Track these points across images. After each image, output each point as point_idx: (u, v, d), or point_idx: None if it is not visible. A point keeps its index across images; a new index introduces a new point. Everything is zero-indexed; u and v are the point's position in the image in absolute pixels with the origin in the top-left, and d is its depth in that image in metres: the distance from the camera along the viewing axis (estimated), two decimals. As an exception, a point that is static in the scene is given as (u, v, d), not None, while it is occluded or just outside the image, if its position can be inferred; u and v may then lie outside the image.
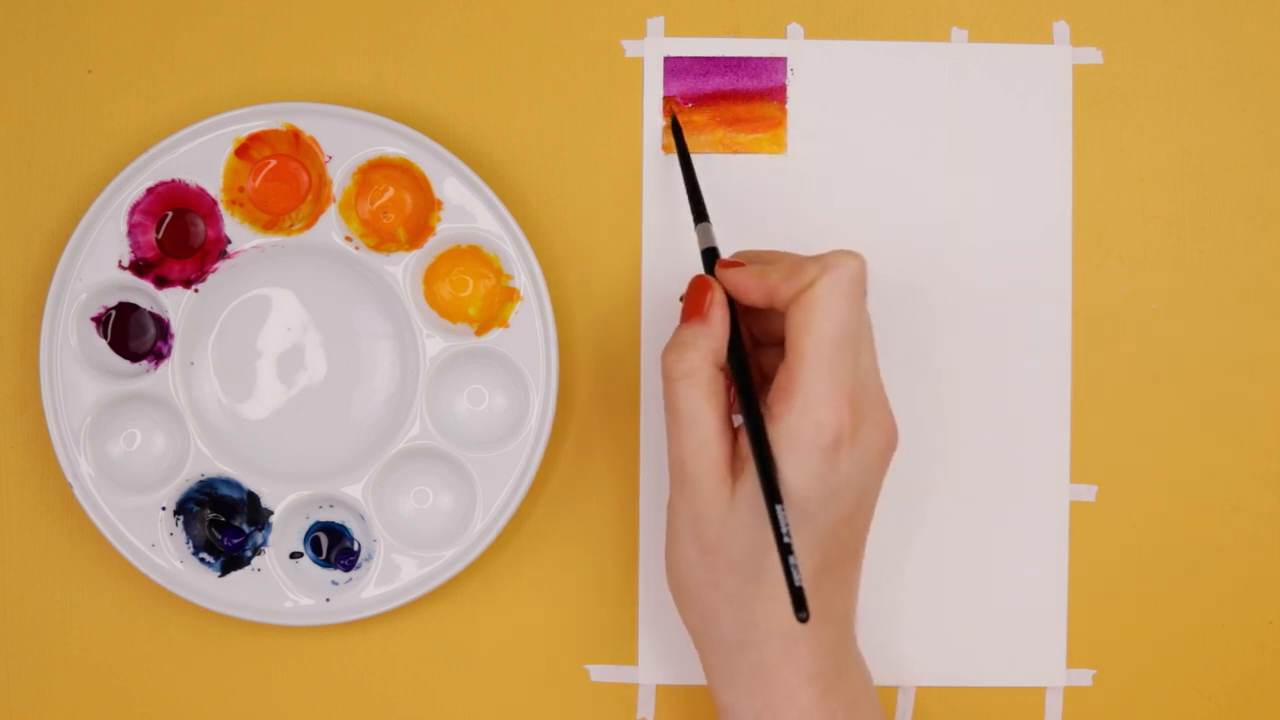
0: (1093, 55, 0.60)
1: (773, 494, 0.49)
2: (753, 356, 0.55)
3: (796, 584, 0.47)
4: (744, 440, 0.51)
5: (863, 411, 0.50)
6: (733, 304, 0.53)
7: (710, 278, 0.53)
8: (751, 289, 0.52)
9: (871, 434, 0.51)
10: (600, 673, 0.60)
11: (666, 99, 0.60)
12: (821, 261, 0.50)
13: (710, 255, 0.54)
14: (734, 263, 0.53)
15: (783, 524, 0.48)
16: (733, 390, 0.52)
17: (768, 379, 0.54)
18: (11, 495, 0.60)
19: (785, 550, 0.47)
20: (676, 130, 0.59)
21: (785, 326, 0.50)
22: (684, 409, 0.51)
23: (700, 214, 0.56)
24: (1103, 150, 0.60)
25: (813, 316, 0.50)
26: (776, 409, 0.50)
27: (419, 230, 0.59)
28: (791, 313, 0.50)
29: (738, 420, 0.52)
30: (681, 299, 0.54)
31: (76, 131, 0.60)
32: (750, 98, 0.60)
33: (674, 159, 0.60)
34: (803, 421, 0.49)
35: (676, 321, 0.60)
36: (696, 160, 0.60)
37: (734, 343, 0.52)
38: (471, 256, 0.59)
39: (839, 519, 0.51)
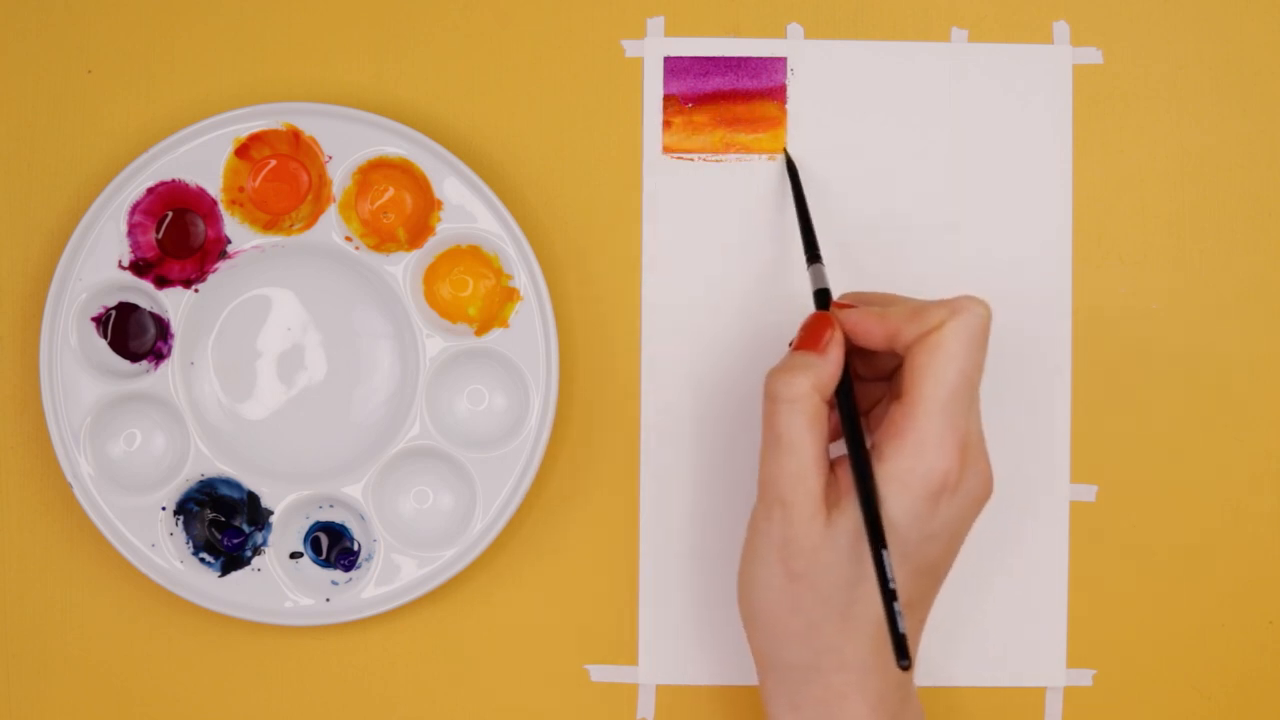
0: (1093, 55, 0.60)
1: (878, 537, 0.49)
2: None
3: (900, 631, 0.47)
4: (841, 474, 0.51)
5: (968, 459, 0.50)
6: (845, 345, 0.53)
7: (832, 317, 0.52)
8: (872, 330, 0.51)
9: (973, 482, 0.51)
10: (600, 673, 0.60)
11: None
12: (950, 306, 0.50)
13: (822, 296, 0.54)
14: (849, 305, 0.53)
15: (889, 569, 0.48)
16: (834, 422, 0.52)
17: (864, 414, 0.54)
18: (11, 495, 0.60)
19: (890, 596, 0.47)
20: (792, 170, 0.58)
21: (905, 368, 0.50)
22: (784, 433, 0.51)
23: (814, 255, 0.56)
24: (1103, 150, 0.60)
25: (936, 360, 0.49)
26: (886, 449, 0.50)
27: (419, 230, 0.59)
28: (914, 354, 0.50)
29: (835, 452, 0.52)
30: (790, 344, 0.53)
31: (76, 131, 0.60)
32: (750, 98, 0.60)
33: (674, 159, 0.60)
34: (913, 464, 0.49)
35: (676, 320, 0.60)
36: (696, 160, 0.60)
37: (845, 380, 0.52)
38: (471, 256, 0.59)
39: (927, 564, 0.51)
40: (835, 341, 0.52)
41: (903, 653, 0.47)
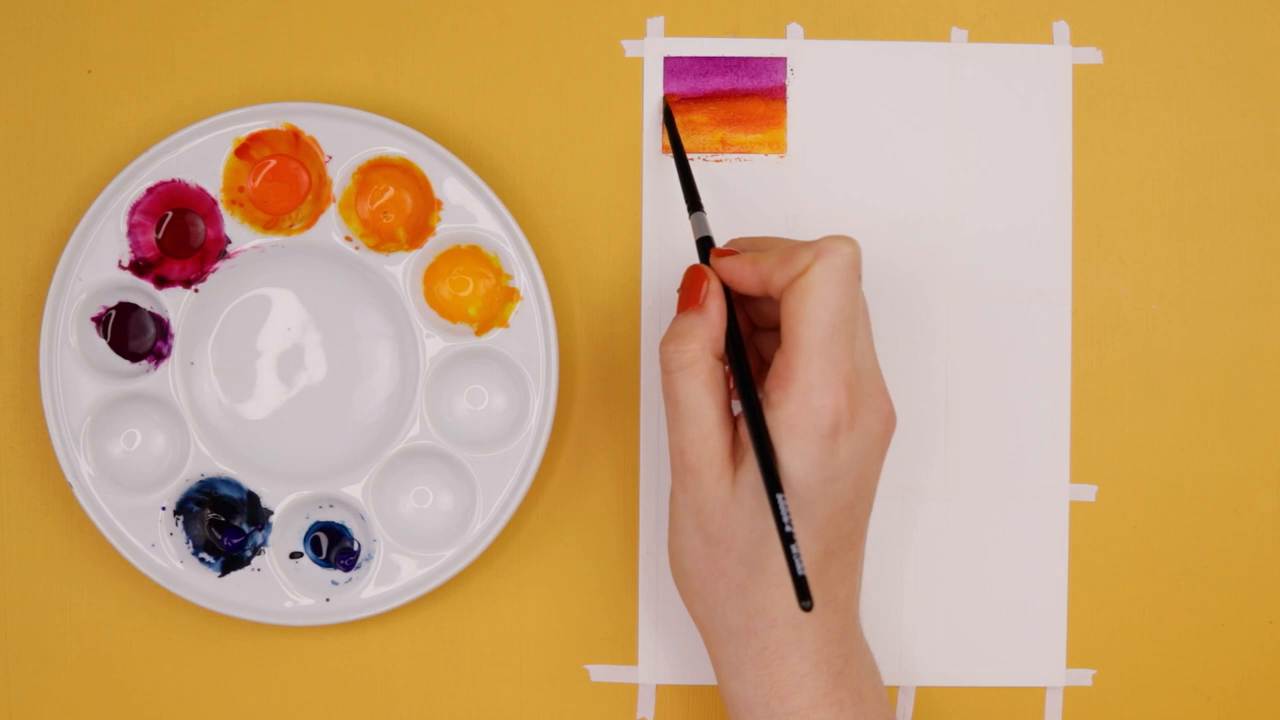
0: (1093, 55, 0.60)
1: (773, 482, 0.49)
2: (751, 342, 0.55)
3: (799, 573, 0.47)
4: (744, 429, 0.51)
5: (860, 397, 0.50)
6: (729, 292, 0.53)
7: (706, 267, 0.53)
8: (746, 277, 0.52)
9: (869, 419, 0.51)
10: (600, 673, 0.60)
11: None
12: (814, 248, 0.50)
13: (705, 244, 0.54)
14: (728, 251, 0.53)
15: (784, 513, 0.48)
16: (731, 379, 0.52)
17: (766, 364, 0.54)
18: (11, 495, 0.60)
19: (787, 539, 0.47)
20: (669, 118, 0.58)
21: (780, 313, 0.50)
22: (683, 400, 0.51)
23: (694, 203, 0.56)
24: (1103, 150, 0.60)
25: (807, 303, 0.49)
26: (774, 396, 0.50)
27: (419, 230, 0.59)
28: (786, 299, 0.50)
29: (737, 409, 0.52)
30: (679, 290, 0.54)
31: (76, 131, 0.60)
32: (750, 98, 0.60)
33: (673, 159, 0.60)
34: (801, 408, 0.49)
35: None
36: (696, 160, 0.60)
37: (731, 332, 0.52)
38: (471, 256, 0.59)
39: (839, 506, 0.51)
40: (713, 293, 0.52)
41: (803, 593, 0.46)
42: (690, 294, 0.52)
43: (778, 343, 0.51)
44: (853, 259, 0.50)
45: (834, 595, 0.52)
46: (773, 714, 0.52)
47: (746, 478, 0.51)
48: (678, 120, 0.60)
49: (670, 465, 0.52)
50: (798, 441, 0.49)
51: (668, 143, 0.60)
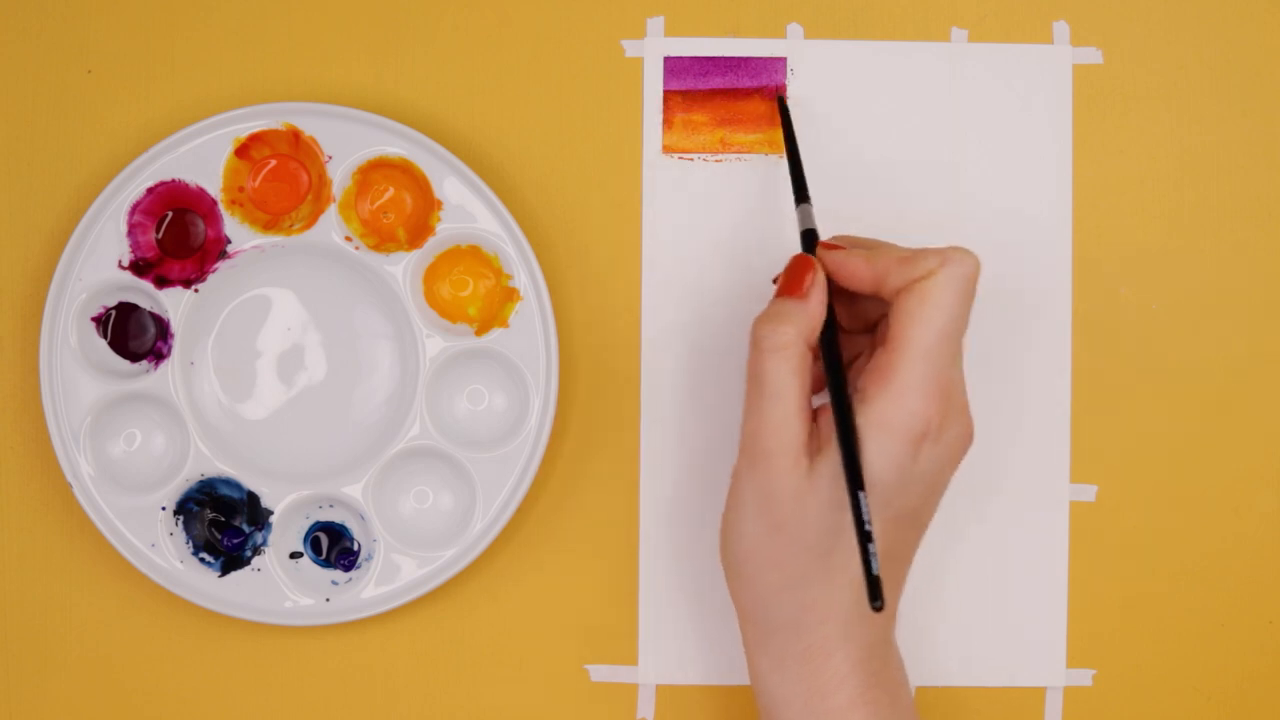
0: (1093, 55, 0.60)
1: (856, 478, 0.49)
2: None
3: (875, 572, 0.47)
4: (823, 422, 0.51)
5: (950, 408, 0.51)
6: (830, 287, 0.53)
7: (813, 258, 0.53)
8: (860, 272, 0.52)
9: (952, 432, 0.51)
10: (600, 673, 0.60)
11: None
12: (941, 255, 0.50)
13: (809, 237, 0.54)
14: (837, 245, 0.53)
15: (864, 510, 0.48)
16: (817, 372, 0.52)
17: (848, 363, 0.54)
18: (11, 495, 0.60)
19: (865, 537, 0.47)
20: (784, 110, 0.58)
21: (892, 314, 0.50)
22: (770, 381, 0.51)
23: (802, 195, 0.56)
24: (1103, 150, 0.60)
25: (925, 307, 0.50)
26: (870, 392, 0.50)
27: (419, 230, 0.59)
28: (902, 300, 0.50)
29: (816, 402, 0.52)
30: (775, 280, 0.53)
31: (76, 131, 0.60)
32: (750, 98, 0.60)
33: (673, 160, 0.60)
34: (896, 407, 0.49)
35: (674, 320, 0.60)
36: (696, 160, 0.60)
37: (828, 325, 0.52)
38: (471, 256, 0.59)
39: (907, 511, 0.51)
40: (817, 285, 0.52)
41: (875, 593, 0.47)
42: (794, 281, 0.52)
43: (863, 345, 0.52)
44: (975, 272, 0.50)
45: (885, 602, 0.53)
46: (812, 710, 0.52)
47: (824, 469, 0.50)
48: (678, 119, 0.60)
49: (741, 447, 0.52)
50: (885, 440, 0.49)
51: (669, 143, 0.60)
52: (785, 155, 0.58)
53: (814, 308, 0.52)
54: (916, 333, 0.50)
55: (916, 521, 0.52)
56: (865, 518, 0.48)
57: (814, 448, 0.51)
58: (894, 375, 0.50)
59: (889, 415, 0.50)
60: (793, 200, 0.57)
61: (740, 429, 0.52)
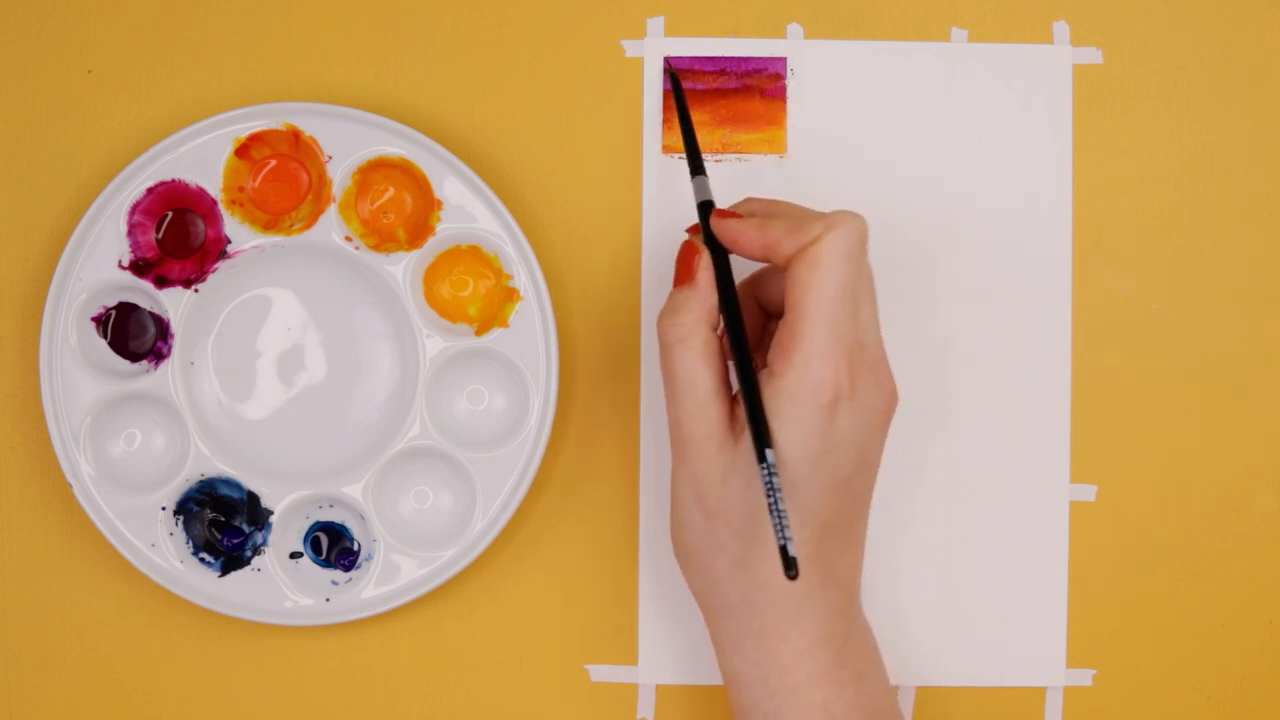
0: (1093, 55, 0.60)
1: (761, 450, 0.49)
2: (766, 328, 0.55)
3: (781, 541, 0.47)
4: (742, 401, 0.51)
5: (862, 370, 0.50)
6: (728, 261, 0.53)
7: (696, 242, 0.53)
8: (751, 240, 0.52)
9: (870, 393, 0.51)
10: (600, 673, 0.60)
11: (668, 60, 0.59)
12: (826, 220, 0.50)
13: (705, 208, 0.54)
14: (731, 213, 0.53)
15: (766, 480, 0.48)
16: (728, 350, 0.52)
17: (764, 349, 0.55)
18: (11, 495, 0.60)
19: (771, 508, 0.48)
20: (675, 82, 0.58)
21: (786, 283, 0.50)
22: (679, 372, 0.51)
23: (697, 167, 0.56)
24: (1103, 150, 0.60)
25: (815, 274, 0.50)
26: (776, 365, 0.50)
27: (419, 230, 0.59)
28: (794, 268, 0.50)
29: (736, 387, 0.52)
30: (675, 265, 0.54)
31: (76, 131, 0.60)
32: (750, 98, 0.60)
33: (673, 159, 0.60)
34: (801, 377, 0.49)
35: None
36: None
37: (728, 301, 0.52)
38: (471, 256, 0.59)
39: (838, 480, 0.51)
40: (704, 266, 0.52)
41: (788, 563, 0.47)
42: (683, 268, 0.53)
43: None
44: (862, 233, 0.50)
45: (833, 570, 0.52)
46: (772, 690, 0.52)
47: (746, 449, 0.51)
48: (678, 120, 0.60)
49: (670, 440, 0.52)
50: (797, 410, 0.49)
51: (669, 143, 0.60)
52: (680, 126, 0.57)
53: (705, 291, 0.52)
54: (810, 299, 0.50)
55: (852, 486, 0.52)
56: (771, 488, 0.48)
57: (737, 430, 0.51)
58: (795, 345, 0.50)
59: (795, 385, 0.49)
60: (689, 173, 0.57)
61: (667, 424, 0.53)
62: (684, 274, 0.52)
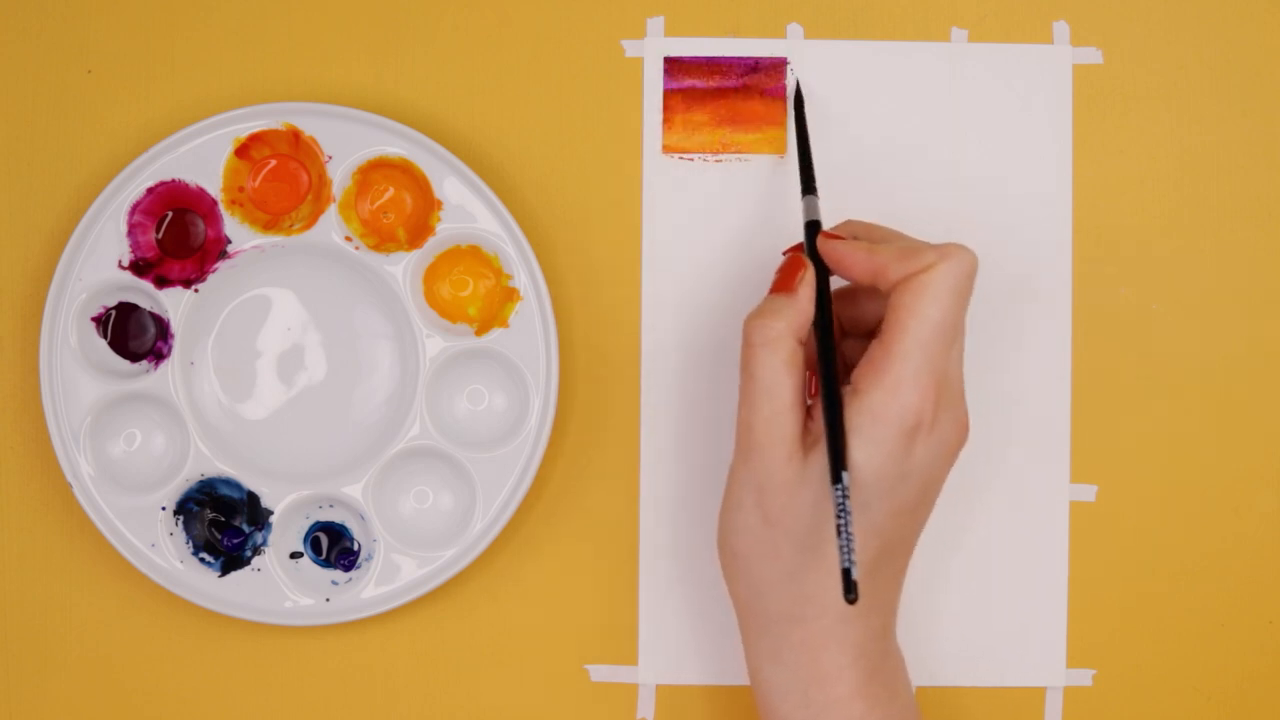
0: (1093, 55, 0.60)
1: (838, 470, 0.49)
2: (838, 344, 0.55)
3: (845, 564, 0.47)
4: (818, 418, 0.51)
5: (945, 402, 0.51)
6: (826, 280, 0.53)
7: (804, 258, 0.53)
8: (859, 263, 0.52)
9: (948, 426, 0.51)
10: (600, 673, 0.60)
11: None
12: (940, 250, 0.51)
13: (813, 228, 0.54)
14: (838, 235, 0.53)
15: (839, 500, 0.48)
16: (811, 370, 0.52)
17: (848, 368, 0.55)
18: (11, 495, 0.60)
19: (840, 529, 0.48)
20: (799, 100, 0.58)
21: (889, 306, 0.51)
22: (761, 376, 0.51)
23: (809, 187, 0.56)
24: (1103, 150, 0.60)
25: (921, 301, 0.50)
26: (863, 384, 0.50)
27: (419, 230, 0.59)
28: (899, 293, 0.50)
29: (810, 400, 0.52)
30: (776, 271, 0.54)
31: (76, 131, 0.60)
32: (750, 98, 0.60)
33: (673, 159, 0.60)
34: (889, 400, 0.50)
35: (674, 320, 0.60)
36: (696, 160, 0.60)
37: (824, 317, 0.52)
38: (471, 256, 0.59)
39: (903, 506, 0.51)
40: (806, 282, 0.52)
41: (849, 587, 0.47)
42: (785, 278, 0.53)
43: (862, 350, 0.52)
44: (973, 269, 0.51)
45: (882, 596, 0.53)
46: (810, 701, 0.52)
47: (816, 462, 0.51)
48: (678, 119, 0.60)
49: (736, 441, 0.52)
50: (878, 432, 0.50)
51: (669, 143, 0.60)
52: (796, 145, 0.57)
53: (803, 303, 0.52)
54: (912, 325, 0.50)
55: (915, 516, 0.52)
56: (843, 510, 0.48)
57: (809, 442, 0.51)
58: (888, 367, 0.50)
59: (881, 407, 0.50)
60: (800, 192, 0.57)
61: (735, 424, 0.52)
62: (785, 283, 0.52)
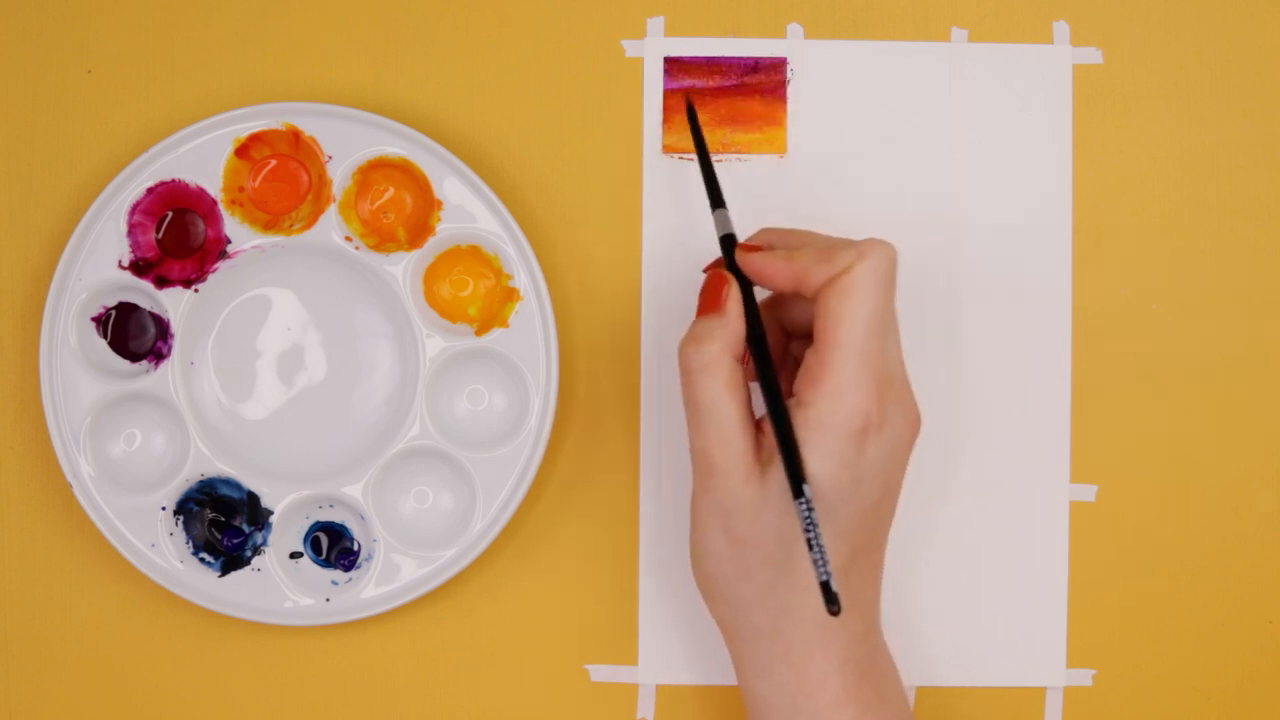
0: (1093, 55, 0.60)
1: (798, 485, 0.49)
2: (786, 347, 0.55)
3: (822, 578, 0.47)
4: (769, 430, 0.51)
5: (890, 397, 0.50)
6: (752, 292, 0.52)
7: (724, 273, 0.53)
8: (778, 273, 0.51)
9: (897, 421, 0.51)
10: (600, 673, 0.60)
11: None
12: (856, 248, 0.50)
13: (728, 241, 0.54)
14: (755, 246, 0.53)
15: (805, 515, 0.48)
16: (754, 381, 0.52)
17: (788, 366, 0.54)
18: (11, 495, 0.60)
19: (811, 544, 0.48)
20: (692, 115, 0.58)
21: (816, 312, 0.50)
22: (704, 401, 0.51)
23: (717, 200, 0.55)
24: (1103, 150, 0.60)
25: (847, 303, 0.50)
26: (805, 395, 0.50)
27: (419, 230, 0.59)
28: (824, 298, 0.50)
29: (759, 412, 0.52)
30: (699, 293, 0.53)
31: (76, 131, 0.60)
32: (750, 98, 0.60)
33: (673, 159, 0.60)
34: (833, 407, 0.49)
35: (674, 320, 0.60)
36: (695, 159, 0.60)
37: (754, 332, 0.52)
38: (471, 256, 0.59)
39: (866, 507, 0.51)
40: (732, 298, 0.52)
41: (830, 599, 0.47)
42: (710, 298, 0.52)
43: (808, 348, 0.51)
44: (893, 261, 0.50)
45: (859, 597, 0.53)
46: (799, 711, 0.52)
47: (775, 478, 0.50)
48: (678, 119, 0.60)
49: (694, 468, 0.52)
50: (828, 441, 0.49)
51: (669, 143, 0.60)
52: (698, 159, 0.56)
53: (734, 321, 0.51)
54: (842, 329, 0.50)
55: (879, 514, 0.52)
56: (810, 523, 0.48)
57: (763, 459, 0.51)
58: (826, 375, 0.50)
59: (828, 415, 0.49)
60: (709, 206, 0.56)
61: (689, 453, 0.52)
62: (711, 303, 0.52)
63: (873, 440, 0.50)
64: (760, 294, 0.54)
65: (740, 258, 0.52)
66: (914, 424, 0.52)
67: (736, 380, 0.51)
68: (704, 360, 0.51)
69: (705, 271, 0.54)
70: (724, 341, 0.51)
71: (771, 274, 0.52)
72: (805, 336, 0.54)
